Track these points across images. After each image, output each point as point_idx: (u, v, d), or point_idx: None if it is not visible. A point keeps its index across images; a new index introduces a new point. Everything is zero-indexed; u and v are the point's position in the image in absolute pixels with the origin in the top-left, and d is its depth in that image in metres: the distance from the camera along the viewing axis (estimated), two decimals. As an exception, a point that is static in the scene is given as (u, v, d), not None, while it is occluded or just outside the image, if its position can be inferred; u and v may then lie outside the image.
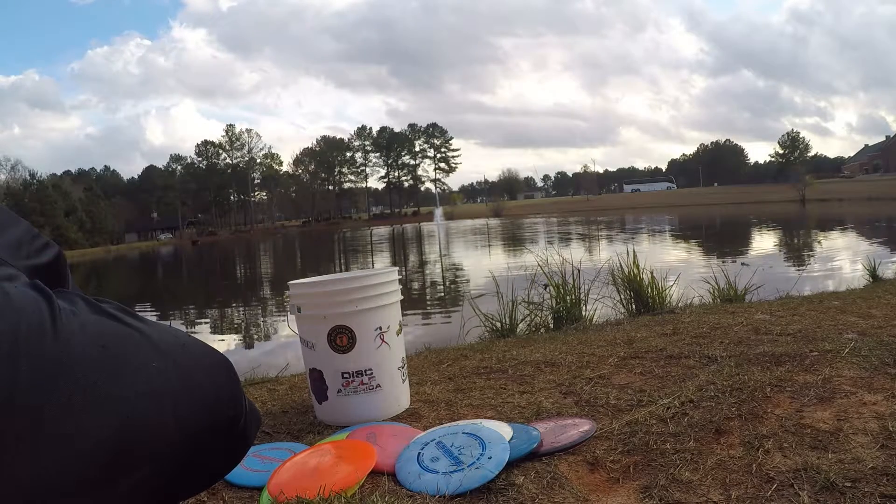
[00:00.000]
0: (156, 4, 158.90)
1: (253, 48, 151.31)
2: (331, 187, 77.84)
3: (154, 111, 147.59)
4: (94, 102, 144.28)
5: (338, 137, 79.75)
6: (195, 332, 5.92)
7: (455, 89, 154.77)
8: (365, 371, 1.39)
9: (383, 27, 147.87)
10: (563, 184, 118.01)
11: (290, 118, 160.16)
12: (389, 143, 77.69)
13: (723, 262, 7.49)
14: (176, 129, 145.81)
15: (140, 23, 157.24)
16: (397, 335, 1.45)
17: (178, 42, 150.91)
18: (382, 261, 16.01)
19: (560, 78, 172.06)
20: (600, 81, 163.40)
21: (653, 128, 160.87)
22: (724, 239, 14.86)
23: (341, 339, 1.37)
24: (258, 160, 74.44)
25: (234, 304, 9.04)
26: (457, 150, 79.66)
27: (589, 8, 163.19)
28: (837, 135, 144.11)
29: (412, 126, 79.25)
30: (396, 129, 79.73)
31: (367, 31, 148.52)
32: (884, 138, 69.68)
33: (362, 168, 78.99)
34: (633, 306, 3.06)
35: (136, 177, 77.22)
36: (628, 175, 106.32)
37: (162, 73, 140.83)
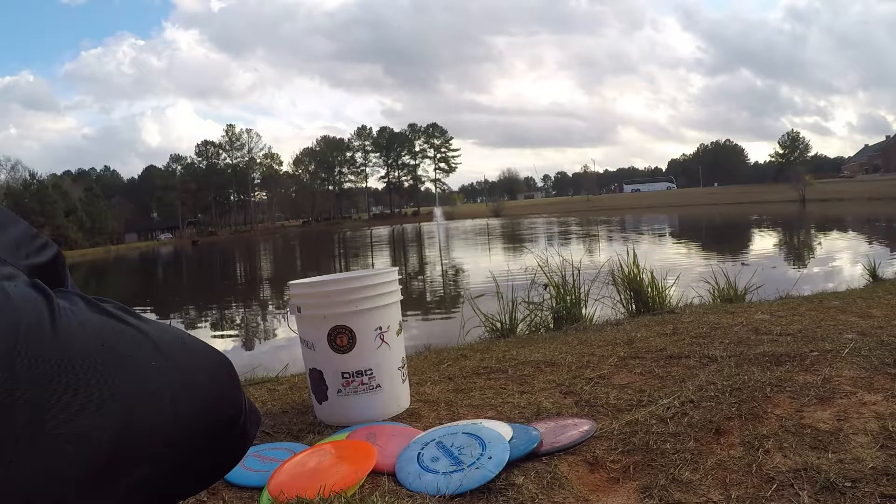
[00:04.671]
0: (147, 5, 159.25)
1: (245, 48, 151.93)
2: (331, 187, 77.80)
3: (149, 111, 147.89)
4: (89, 103, 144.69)
5: (337, 137, 79.86)
6: (195, 332, 5.91)
7: (451, 89, 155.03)
8: (365, 371, 1.38)
9: (375, 26, 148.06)
10: (563, 184, 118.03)
11: (287, 118, 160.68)
12: (389, 143, 77.68)
13: (723, 262, 7.49)
14: (172, 130, 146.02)
15: (132, 23, 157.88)
16: (397, 335, 1.45)
17: (170, 42, 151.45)
18: (382, 261, 16.02)
19: (556, 77, 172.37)
20: (597, 80, 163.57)
21: (652, 127, 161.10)
22: (725, 239, 14.86)
23: (341, 339, 1.37)
24: (258, 160, 74.51)
25: (234, 304, 9.05)
26: (457, 150, 79.73)
27: (583, 6, 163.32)
28: (837, 134, 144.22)
29: (412, 126, 79.30)
30: (395, 129, 79.90)
31: (360, 30, 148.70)
32: (884, 138, 69.65)
33: (362, 168, 79.03)
34: (633, 306, 3.06)
35: (135, 177, 77.31)
36: (628, 175, 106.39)
37: (156, 74, 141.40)
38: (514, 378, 1.63)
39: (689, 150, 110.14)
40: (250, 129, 75.24)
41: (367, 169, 79.05)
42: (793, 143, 78.95)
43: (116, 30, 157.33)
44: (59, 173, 62.25)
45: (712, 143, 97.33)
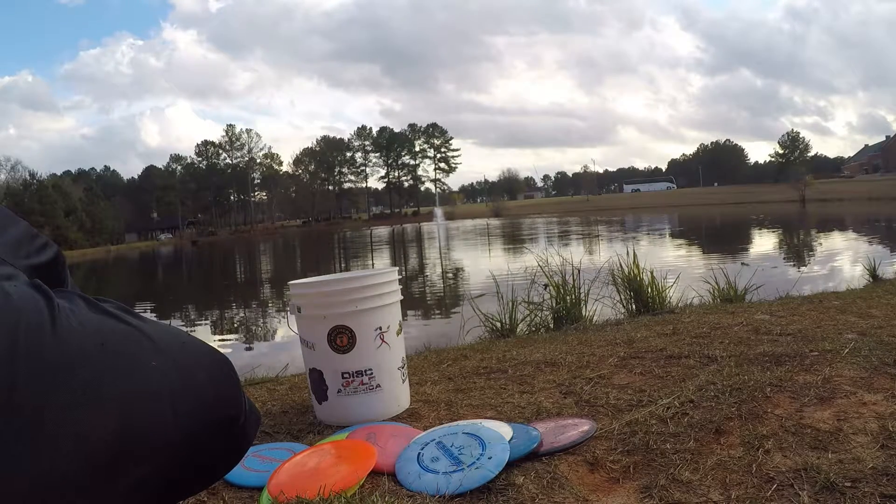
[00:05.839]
0: (145, 5, 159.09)
1: (244, 48, 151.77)
2: (331, 187, 77.85)
3: (149, 112, 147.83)
4: (88, 103, 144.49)
5: (336, 137, 79.89)
6: (195, 332, 5.91)
7: (450, 88, 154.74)
8: (365, 371, 1.38)
9: (373, 26, 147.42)
10: (563, 184, 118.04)
11: (286, 118, 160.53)
12: (389, 143, 77.71)
13: (723, 262, 7.49)
14: (171, 130, 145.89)
15: (131, 24, 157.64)
16: (397, 335, 1.45)
17: (169, 42, 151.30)
18: (382, 261, 16.02)
19: (555, 77, 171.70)
20: (596, 80, 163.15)
21: (651, 127, 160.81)
22: (725, 239, 14.86)
23: (341, 339, 1.37)
24: (258, 160, 74.57)
25: (234, 304, 9.05)
26: (457, 150, 79.80)
27: (582, 6, 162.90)
28: (837, 134, 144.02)
29: (412, 126, 79.34)
30: (395, 129, 79.94)
31: (358, 30, 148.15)
32: (884, 138, 69.72)
33: (362, 168, 79.08)
34: (633, 306, 3.06)
35: (135, 177, 77.33)
36: (628, 175, 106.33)
37: (155, 74, 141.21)
38: (514, 378, 1.63)
39: (689, 150, 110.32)
40: (250, 129, 75.30)
41: (367, 169, 79.19)
42: (793, 143, 78.93)
43: (115, 30, 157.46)
44: (58, 173, 62.39)
45: (712, 143, 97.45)
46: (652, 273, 3.11)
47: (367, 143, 78.48)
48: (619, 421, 1.20)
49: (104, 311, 0.59)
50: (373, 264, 15.10)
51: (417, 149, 78.46)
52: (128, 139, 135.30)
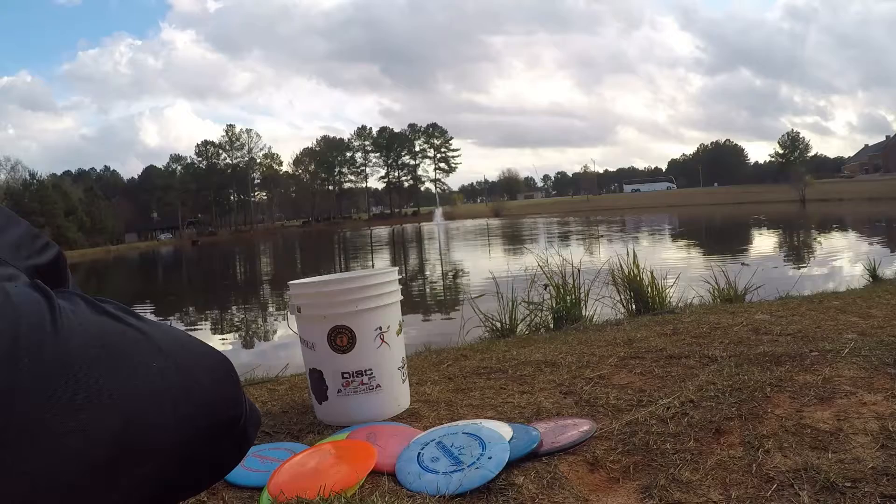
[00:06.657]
0: (144, 6, 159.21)
1: (242, 48, 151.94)
2: (331, 187, 77.89)
3: (148, 112, 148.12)
4: (87, 103, 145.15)
5: (336, 137, 79.89)
6: (195, 333, 5.91)
7: (449, 88, 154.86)
8: (365, 371, 1.39)
9: (372, 26, 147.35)
10: (563, 184, 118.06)
11: (285, 118, 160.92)
12: (389, 143, 77.72)
13: (723, 262, 7.49)
14: (170, 130, 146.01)
15: (129, 24, 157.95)
16: (397, 335, 1.45)
17: (167, 43, 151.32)
18: (382, 261, 16.02)
19: (554, 77, 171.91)
20: (595, 80, 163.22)
21: (651, 127, 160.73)
22: (725, 239, 14.86)
23: (341, 339, 1.37)
24: (258, 160, 74.60)
25: (234, 305, 9.05)
26: (457, 150, 79.86)
27: (581, 5, 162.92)
28: (838, 134, 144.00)
29: (412, 126, 79.39)
30: (395, 129, 79.93)
31: (356, 30, 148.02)
32: (884, 138, 69.79)
33: (362, 168, 79.10)
34: (633, 306, 3.06)
35: (135, 177, 77.33)
36: (628, 175, 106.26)
37: (153, 74, 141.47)
38: (514, 378, 1.63)
39: (689, 150, 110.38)
40: (250, 130, 75.29)
41: (367, 169, 79.22)
42: (793, 143, 78.89)
43: (113, 30, 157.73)
44: (58, 173, 62.44)
45: (712, 143, 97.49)
46: (652, 273, 3.11)
47: (366, 143, 78.51)
48: (619, 421, 1.20)
49: (105, 312, 0.59)
50: (373, 264, 15.10)
51: (417, 149, 78.52)
52: (127, 139, 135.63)
